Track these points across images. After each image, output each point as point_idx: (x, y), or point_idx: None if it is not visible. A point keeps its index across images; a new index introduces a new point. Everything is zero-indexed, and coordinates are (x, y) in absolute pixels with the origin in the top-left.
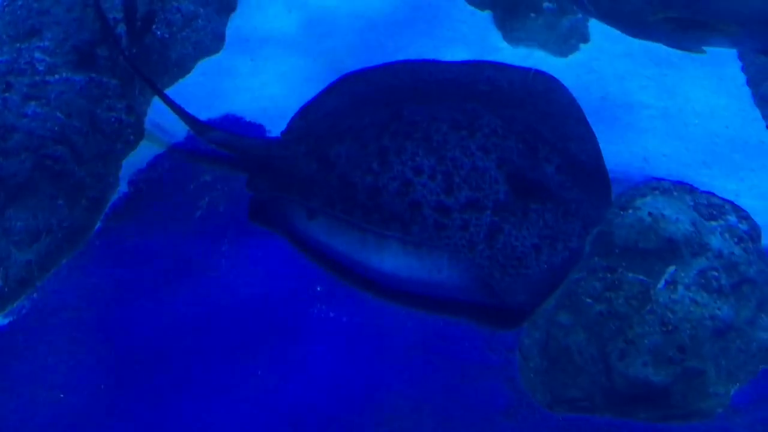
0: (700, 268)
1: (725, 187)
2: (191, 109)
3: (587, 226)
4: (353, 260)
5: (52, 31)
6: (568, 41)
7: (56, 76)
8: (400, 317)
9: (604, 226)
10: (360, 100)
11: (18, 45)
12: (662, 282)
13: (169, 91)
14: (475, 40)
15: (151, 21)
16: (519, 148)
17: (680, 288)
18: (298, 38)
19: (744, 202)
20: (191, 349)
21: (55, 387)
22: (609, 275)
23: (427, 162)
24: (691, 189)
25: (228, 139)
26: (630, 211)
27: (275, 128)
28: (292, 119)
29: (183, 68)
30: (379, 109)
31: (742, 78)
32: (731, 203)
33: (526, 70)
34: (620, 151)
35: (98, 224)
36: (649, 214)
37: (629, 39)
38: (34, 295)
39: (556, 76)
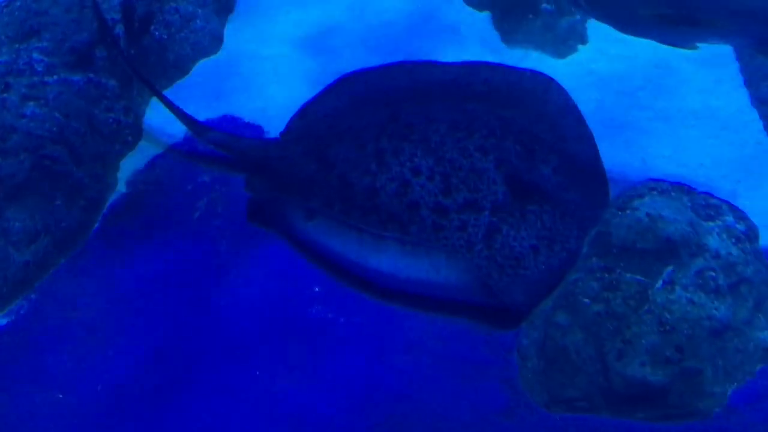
0: (698, 269)
1: (723, 187)
2: (189, 110)
3: (585, 227)
4: (351, 261)
5: (50, 32)
6: (566, 42)
7: (55, 77)
8: (398, 318)
9: (602, 226)
10: (359, 100)
11: (17, 46)
12: (660, 282)
13: (167, 91)
14: (474, 41)
15: (150, 22)
16: (517, 149)
17: (678, 288)
18: (297, 39)
19: (741, 202)
20: (190, 349)
21: (54, 387)
22: (607, 275)
23: (425, 163)
24: (688, 190)
25: (226, 140)
26: (628, 211)
27: (273, 129)
28: (291, 120)
29: (181, 69)
30: (377, 110)
31: (740, 79)
32: (729, 204)
33: (523, 71)
34: (618, 152)
35: (96, 225)
36: (647, 214)
37: (627, 40)
38: (33, 295)
39: (554, 77)
